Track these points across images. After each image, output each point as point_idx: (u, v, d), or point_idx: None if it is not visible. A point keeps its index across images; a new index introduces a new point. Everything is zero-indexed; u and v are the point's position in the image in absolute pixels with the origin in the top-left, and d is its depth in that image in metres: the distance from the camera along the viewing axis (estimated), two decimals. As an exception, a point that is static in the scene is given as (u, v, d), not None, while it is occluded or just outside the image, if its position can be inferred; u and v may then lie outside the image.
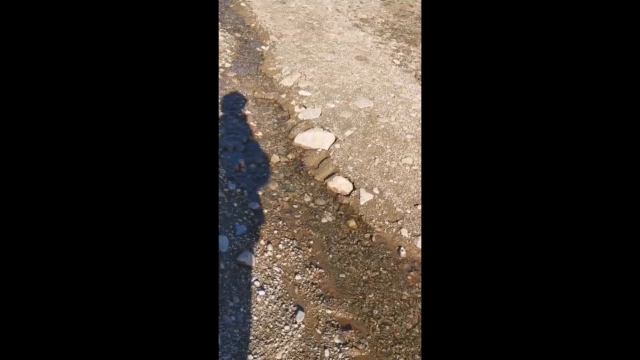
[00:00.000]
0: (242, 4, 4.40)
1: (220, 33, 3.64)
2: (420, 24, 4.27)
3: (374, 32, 3.99)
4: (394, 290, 1.62)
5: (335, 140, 2.37)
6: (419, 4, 4.94)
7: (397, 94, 2.88)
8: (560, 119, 0.56)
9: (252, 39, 3.67)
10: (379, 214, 1.95)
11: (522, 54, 0.57)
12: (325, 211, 1.94)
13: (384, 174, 2.15)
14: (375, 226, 1.90)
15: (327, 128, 2.45)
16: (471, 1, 0.59)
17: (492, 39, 0.58)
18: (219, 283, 1.49)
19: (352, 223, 1.90)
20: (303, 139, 2.38)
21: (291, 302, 1.50)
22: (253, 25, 3.94)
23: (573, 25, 0.56)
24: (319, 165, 2.24)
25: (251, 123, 2.53)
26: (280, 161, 2.24)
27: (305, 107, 2.65)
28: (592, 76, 0.55)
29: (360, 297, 1.58)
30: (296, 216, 1.89)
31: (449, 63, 0.60)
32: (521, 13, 0.58)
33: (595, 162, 0.54)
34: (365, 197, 2.01)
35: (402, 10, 4.67)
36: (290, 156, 2.29)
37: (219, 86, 2.85)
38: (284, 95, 2.82)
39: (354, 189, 2.07)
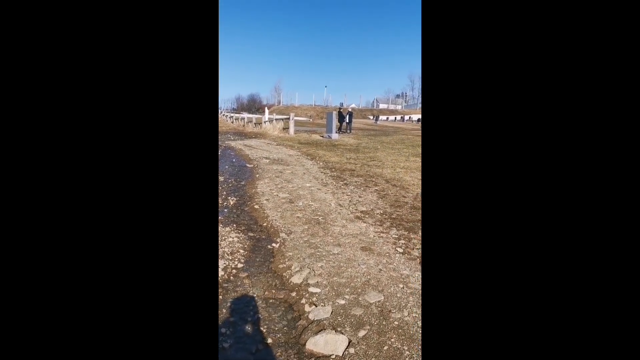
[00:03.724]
0: (256, 207, 5.02)
1: (234, 234, 4.02)
2: (415, 213, 4.72)
3: (374, 222, 4.38)
4: None
5: (349, 343, 2.23)
6: (411, 195, 5.61)
7: (405, 284, 2.90)
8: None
9: (263, 237, 4.01)
10: None
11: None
12: None
13: (407, 384, 1.92)
14: None
15: (339, 329, 2.36)
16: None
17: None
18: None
19: None
20: (315, 344, 2.25)
21: None
22: (265, 224, 4.37)
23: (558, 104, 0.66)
24: (333, 376, 2.04)
25: (261, 328, 2.45)
26: (291, 374, 2.05)
27: (316, 305, 2.63)
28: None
29: None
30: None
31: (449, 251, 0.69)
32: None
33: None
34: (390, 419, 1.73)
35: (397, 201, 5.27)
36: (301, 366, 2.11)
37: (231, 288, 2.93)
38: (294, 294, 2.85)
39: (376, 407, 1.80)
